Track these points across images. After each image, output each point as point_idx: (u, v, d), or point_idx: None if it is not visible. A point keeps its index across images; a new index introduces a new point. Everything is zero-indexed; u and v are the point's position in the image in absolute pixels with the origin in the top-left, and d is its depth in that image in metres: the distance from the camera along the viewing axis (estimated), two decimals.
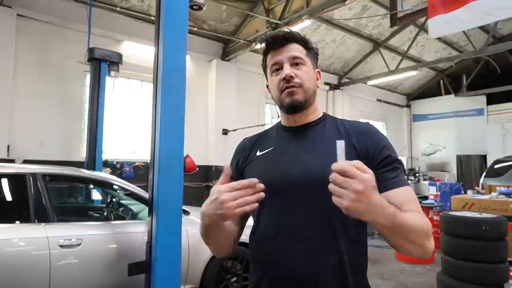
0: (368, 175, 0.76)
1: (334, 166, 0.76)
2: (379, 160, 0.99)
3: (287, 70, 1.05)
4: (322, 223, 0.99)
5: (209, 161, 7.96)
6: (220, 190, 0.87)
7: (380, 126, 12.90)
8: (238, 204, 0.84)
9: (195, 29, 7.40)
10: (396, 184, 0.97)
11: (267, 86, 1.16)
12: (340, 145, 0.78)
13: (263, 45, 1.12)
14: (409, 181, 9.14)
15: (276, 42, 1.08)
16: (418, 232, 0.88)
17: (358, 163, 0.77)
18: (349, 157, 0.84)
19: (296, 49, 1.08)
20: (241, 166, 1.16)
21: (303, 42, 1.10)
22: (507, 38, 10.10)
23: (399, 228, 0.84)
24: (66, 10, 6.13)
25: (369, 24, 9.16)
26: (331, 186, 0.76)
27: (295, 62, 1.07)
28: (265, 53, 1.13)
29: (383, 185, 0.96)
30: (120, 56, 5.54)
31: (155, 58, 2.59)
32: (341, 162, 0.76)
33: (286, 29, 1.11)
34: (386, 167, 0.99)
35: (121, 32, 6.82)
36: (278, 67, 1.09)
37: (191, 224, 3.27)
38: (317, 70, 1.14)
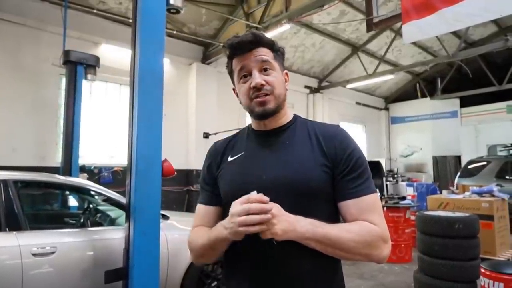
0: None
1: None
2: (345, 166, 1.00)
3: (258, 78, 1.02)
4: None
5: (190, 165, 7.89)
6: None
7: (359, 129, 13.15)
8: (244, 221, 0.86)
9: (175, 32, 7.36)
10: (359, 193, 0.98)
11: (234, 90, 1.14)
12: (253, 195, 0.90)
13: (228, 51, 1.08)
14: (387, 182, 9.30)
15: (243, 47, 1.04)
16: (352, 244, 0.91)
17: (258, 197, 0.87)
18: (318, 161, 0.99)
19: (263, 53, 1.04)
20: (214, 172, 1.14)
21: (270, 44, 1.06)
22: (478, 44, 10.52)
23: (322, 238, 0.90)
24: (40, 11, 5.95)
25: (347, 29, 9.35)
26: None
27: (264, 67, 1.04)
28: (231, 57, 1.09)
29: (345, 193, 0.98)
30: (97, 59, 5.43)
31: (132, 61, 2.56)
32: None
33: (250, 33, 1.03)
34: (352, 174, 0.99)
35: (99, 35, 6.68)
36: (246, 73, 1.05)
37: (171, 229, 3.23)
38: (284, 72, 1.12)
